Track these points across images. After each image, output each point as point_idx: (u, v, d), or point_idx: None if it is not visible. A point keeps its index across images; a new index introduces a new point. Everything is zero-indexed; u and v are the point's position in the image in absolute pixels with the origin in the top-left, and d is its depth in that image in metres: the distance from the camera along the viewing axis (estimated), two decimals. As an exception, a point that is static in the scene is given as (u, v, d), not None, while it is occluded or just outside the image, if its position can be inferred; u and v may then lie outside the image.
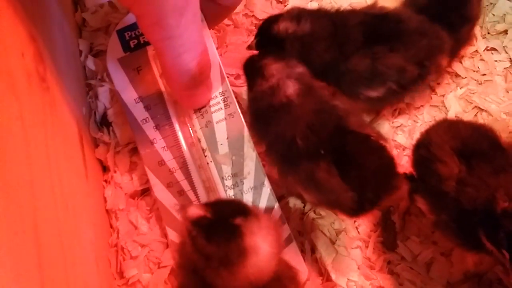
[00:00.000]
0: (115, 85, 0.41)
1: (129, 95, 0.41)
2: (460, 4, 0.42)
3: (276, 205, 0.39)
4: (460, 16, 0.42)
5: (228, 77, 0.44)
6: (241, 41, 0.48)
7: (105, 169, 0.44)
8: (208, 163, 0.40)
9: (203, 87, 0.38)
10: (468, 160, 0.33)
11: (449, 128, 0.35)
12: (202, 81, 0.37)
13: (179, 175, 0.40)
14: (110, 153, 0.43)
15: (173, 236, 0.39)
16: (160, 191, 0.40)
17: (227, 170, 0.39)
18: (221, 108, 0.41)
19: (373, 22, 0.39)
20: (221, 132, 0.40)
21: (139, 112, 0.41)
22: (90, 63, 0.45)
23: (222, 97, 0.41)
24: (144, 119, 0.41)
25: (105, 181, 0.43)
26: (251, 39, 0.47)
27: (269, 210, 0.39)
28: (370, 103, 0.42)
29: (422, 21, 0.40)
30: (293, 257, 0.38)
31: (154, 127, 0.41)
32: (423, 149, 0.35)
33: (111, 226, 0.42)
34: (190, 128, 0.40)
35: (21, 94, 0.26)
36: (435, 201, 0.35)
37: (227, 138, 0.40)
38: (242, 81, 0.45)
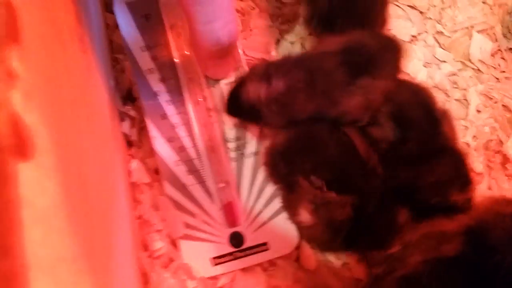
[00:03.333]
0: (121, 29, 0.40)
1: (136, 42, 0.40)
2: None
3: None
4: None
5: (252, 60, 0.45)
6: (266, 25, 0.48)
7: (129, 143, 0.44)
8: (212, 123, 0.40)
9: (230, 57, 0.38)
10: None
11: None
12: (229, 51, 0.37)
13: (181, 131, 0.40)
14: (135, 128, 0.43)
15: (170, 191, 0.40)
16: (161, 145, 0.40)
17: (230, 132, 0.40)
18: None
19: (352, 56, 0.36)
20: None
21: (144, 61, 0.40)
22: (118, 37, 0.45)
23: None
24: (149, 69, 0.40)
25: (130, 155, 0.43)
26: (275, 24, 0.47)
27: None
28: None
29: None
30: (286, 224, 0.39)
31: (159, 79, 0.40)
32: None
33: (135, 199, 0.42)
34: (196, 86, 0.40)
35: (67, 47, 0.26)
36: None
37: None
38: (267, 64, 0.46)
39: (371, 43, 0.37)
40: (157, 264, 0.40)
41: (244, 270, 0.41)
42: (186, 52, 0.41)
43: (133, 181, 0.42)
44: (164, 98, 0.40)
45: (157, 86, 0.40)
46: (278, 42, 0.47)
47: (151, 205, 0.42)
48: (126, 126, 0.43)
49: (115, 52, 0.45)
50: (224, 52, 0.36)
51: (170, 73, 0.40)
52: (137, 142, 0.43)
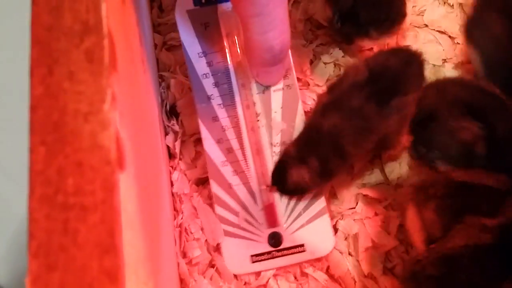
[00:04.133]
0: (181, 36, 0.43)
1: (194, 48, 0.43)
2: None
3: None
4: None
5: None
6: (300, 45, 0.50)
7: (170, 156, 0.47)
8: (259, 127, 0.43)
9: (280, 65, 0.40)
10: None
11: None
12: (281, 59, 0.39)
13: (230, 134, 0.43)
14: (177, 141, 0.46)
15: (216, 189, 0.42)
16: (210, 145, 0.42)
17: (276, 137, 0.43)
18: None
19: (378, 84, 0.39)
20: (276, 100, 0.43)
21: (201, 66, 0.43)
22: (164, 56, 0.48)
23: None
24: (204, 74, 0.43)
25: (172, 166, 0.46)
26: (310, 45, 0.50)
27: None
28: None
29: None
30: (324, 228, 0.42)
31: (213, 84, 0.43)
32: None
33: (175, 209, 0.45)
34: (247, 91, 0.43)
35: (137, 68, 0.28)
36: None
37: (281, 107, 0.43)
38: (301, 84, 0.48)
39: (394, 62, 0.39)
40: (195, 271, 0.42)
41: (277, 278, 0.43)
42: (239, 59, 0.44)
43: (174, 191, 0.45)
44: (216, 102, 0.43)
45: (211, 90, 0.43)
46: (312, 62, 0.49)
47: (190, 215, 0.44)
48: (169, 139, 0.46)
49: (161, 70, 0.48)
50: (276, 60, 0.39)
51: (223, 79, 0.43)
52: (178, 155, 0.46)
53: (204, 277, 0.42)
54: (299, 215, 0.42)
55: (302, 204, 0.42)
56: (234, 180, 0.42)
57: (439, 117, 0.38)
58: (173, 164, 0.46)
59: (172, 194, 0.45)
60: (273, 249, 0.42)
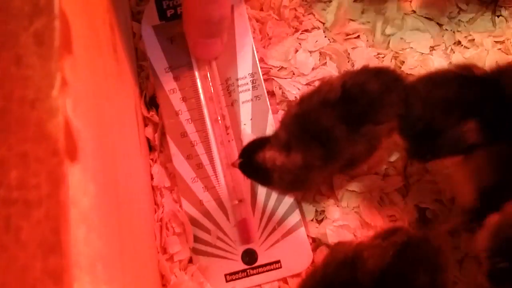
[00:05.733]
0: (147, 51, 0.43)
1: (160, 63, 0.42)
2: None
3: None
4: None
5: (271, 68, 0.46)
6: (285, 33, 0.49)
7: (151, 148, 0.45)
8: (229, 141, 0.41)
9: (218, 38, 0.40)
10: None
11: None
12: (219, 32, 0.39)
13: (199, 149, 0.42)
14: (157, 133, 0.44)
15: (187, 207, 0.41)
16: (179, 162, 0.41)
17: None
18: (249, 89, 0.43)
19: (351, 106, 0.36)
20: (246, 112, 0.42)
21: (167, 81, 0.42)
22: (143, 45, 0.46)
23: (251, 78, 0.43)
24: (172, 89, 0.42)
25: (152, 159, 0.44)
26: (295, 33, 0.48)
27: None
28: None
29: None
30: (300, 242, 0.40)
31: (181, 99, 0.42)
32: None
33: (155, 203, 0.43)
34: (216, 105, 0.42)
35: (105, 56, 0.27)
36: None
37: (251, 119, 0.42)
38: (286, 73, 0.47)
39: (373, 86, 0.35)
40: (175, 267, 0.41)
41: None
42: (206, 72, 0.42)
43: (154, 185, 0.43)
44: (184, 117, 0.42)
45: (179, 105, 0.42)
46: (296, 51, 0.48)
47: (171, 209, 0.43)
48: (149, 131, 0.44)
49: (140, 60, 0.46)
50: (214, 31, 0.38)
51: (191, 93, 0.42)
52: (158, 147, 0.44)
53: (186, 273, 0.41)
54: (274, 229, 0.40)
55: (276, 218, 0.40)
56: (205, 197, 0.41)
57: (435, 128, 0.35)
58: (153, 156, 0.44)
59: (153, 188, 0.44)
60: (248, 266, 0.40)
